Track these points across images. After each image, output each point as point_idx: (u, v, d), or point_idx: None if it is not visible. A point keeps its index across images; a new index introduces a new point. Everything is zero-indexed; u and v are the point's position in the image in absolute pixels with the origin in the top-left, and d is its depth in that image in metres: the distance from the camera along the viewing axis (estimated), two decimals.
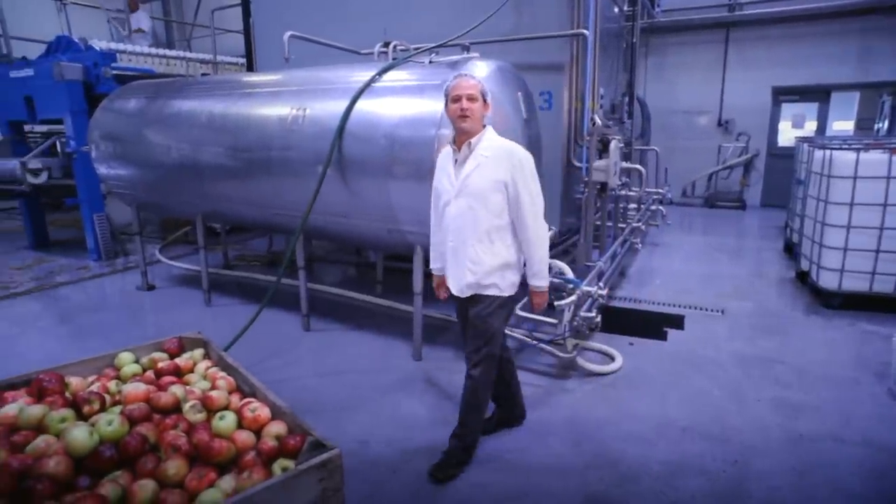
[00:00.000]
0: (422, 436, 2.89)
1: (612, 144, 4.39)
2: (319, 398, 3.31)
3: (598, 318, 3.59)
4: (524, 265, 2.51)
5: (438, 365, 3.72)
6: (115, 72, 6.58)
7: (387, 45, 4.26)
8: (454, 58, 3.72)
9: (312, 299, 4.52)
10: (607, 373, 3.56)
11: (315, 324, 4.48)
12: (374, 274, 5.37)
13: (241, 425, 1.76)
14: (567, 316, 3.45)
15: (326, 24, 5.44)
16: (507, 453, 2.75)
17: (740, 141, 9.95)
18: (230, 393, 1.98)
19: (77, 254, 6.89)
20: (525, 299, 3.95)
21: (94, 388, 1.96)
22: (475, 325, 2.51)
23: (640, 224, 6.26)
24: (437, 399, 3.30)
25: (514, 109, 3.62)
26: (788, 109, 9.90)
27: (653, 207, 6.95)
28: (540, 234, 2.41)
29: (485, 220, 2.38)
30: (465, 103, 2.33)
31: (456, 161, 2.45)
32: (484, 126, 2.44)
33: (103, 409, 1.82)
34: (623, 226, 6.13)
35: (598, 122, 4.39)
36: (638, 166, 5.91)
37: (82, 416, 1.75)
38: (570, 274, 3.70)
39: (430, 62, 3.75)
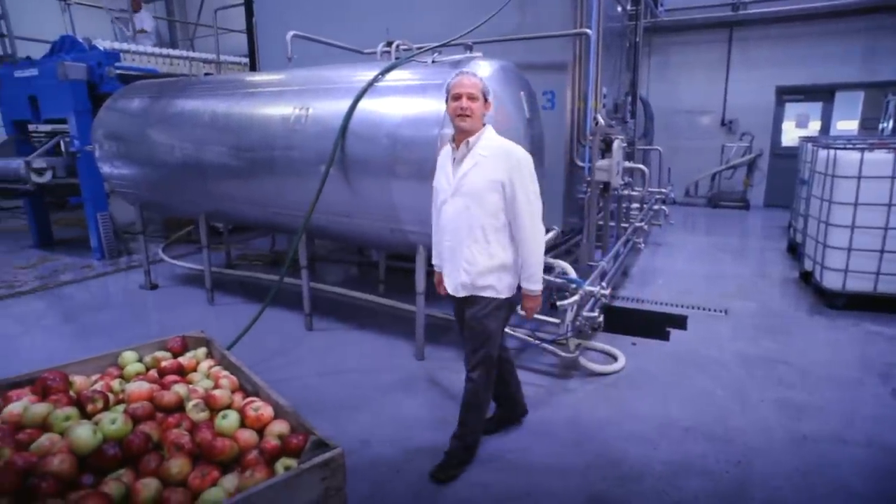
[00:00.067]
0: (423, 435, 2.90)
1: (615, 144, 4.38)
2: (322, 397, 3.32)
3: (601, 318, 3.58)
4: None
5: (441, 364, 3.72)
6: (118, 71, 6.60)
7: (389, 44, 4.26)
8: (457, 57, 3.72)
9: (315, 299, 4.53)
10: (610, 373, 3.56)
11: (317, 323, 4.48)
12: (377, 273, 5.37)
13: (243, 424, 1.77)
14: (570, 316, 3.45)
15: (329, 24, 5.44)
16: (508, 453, 2.75)
17: (744, 141, 9.92)
18: (233, 392, 1.99)
19: (81, 253, 6.92)
20: None
21: (98, 386, 1.97)
22: (472, 326, 2.49)
23: (642, 224, 6.25)
24: (440, 399, 3.30)
25: (517, 109, 3.62)
26: (792, 109, 9.86)
27: (656, 207, 6.94)
28: (536, 236, 2.38)
29: (481, 220, 2.36)
30: (464, 102, 2.30)
31: (454, 159, 2.43)
32: (484, 125, 2.41)
33: (107, 407, 1.82)
34: (626, 225, 6.12)
35: (601, 121, 4.39)
36: (641, 166, 5.90)
37: (86, 415, 1.76)
38: (572, 274, 3.69)
39: (433, 62, 3.75)
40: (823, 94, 9.51)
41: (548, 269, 3.92)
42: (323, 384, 3.52)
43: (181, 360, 2.23)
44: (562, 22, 4.44)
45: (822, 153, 4.79)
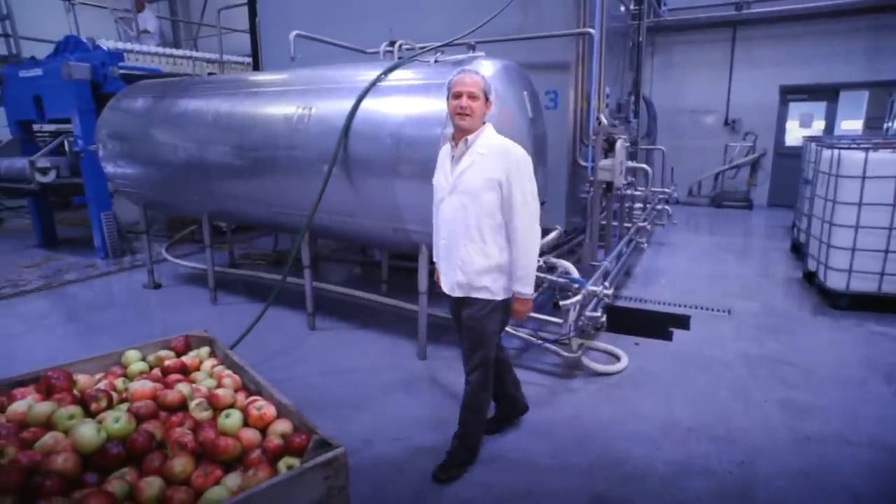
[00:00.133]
0: (426, 435, 2.90)
1: (618, 144, 4.37)
2: (324, 397, 3.32)
3: (604, 318, 3.57)
4: None
5: (443, 364, 3.72)
6: (122, 71, 6.62)
7: (392, 44, 4.26)
8: (460, 57, 3.72)
9: (318, 298, 4.53)
10: (612, 373, 3.55)
11: (320, 322, 4.49)
12: (380, 273, 5.38)
13: (246, 423, 1.77)
14: (572, 315, 3.44)
15: (332, 24, 5.45)
16: (511, 453, 2.75)
17: (747, 140, 9.88)
18: (236, 391, 1.99)
19: (85, 252, 6.95)
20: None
21: (102, 385, 1.97)
22: (468, 328, 2.48)
23: (645, 223, 6.24)
24: (442, 398, 3.30)
25: (520, 108, 3.62)
26: (796, 108, 9.83)
27: (659, 207, 6.92)
28: (529, 237, 2.34)
29: (477, 218, 2.33)
30: (465, 101, 2.28)
31: (453, 157, 2.41)
32: (484, 123, 2.39)
33: (110, 406, 1.83)
34: (629, 225, 6.10)
35: (604, 121, 4.38)
36: (644, 166, 5.88)
37: (90, 414, 1.77)
38: (575, 273, 3.69)
39: (436, 61, 3.75)
40: (827, 94, 9.47)
41: (550, 268, 3.93)
42: (325, 383, 3.53)
43: (184, 359, 2.23)
44: (565, 21, 4.43)
45: (826, 153, 4.78)
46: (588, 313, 3.52)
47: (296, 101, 3.99)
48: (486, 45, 4.03)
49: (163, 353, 2.28)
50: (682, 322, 4.40)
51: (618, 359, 3.70)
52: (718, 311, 4.67)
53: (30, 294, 5.48)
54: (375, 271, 5.79)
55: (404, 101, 3.51)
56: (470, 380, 2.54)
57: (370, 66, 3.93)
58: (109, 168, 5.53)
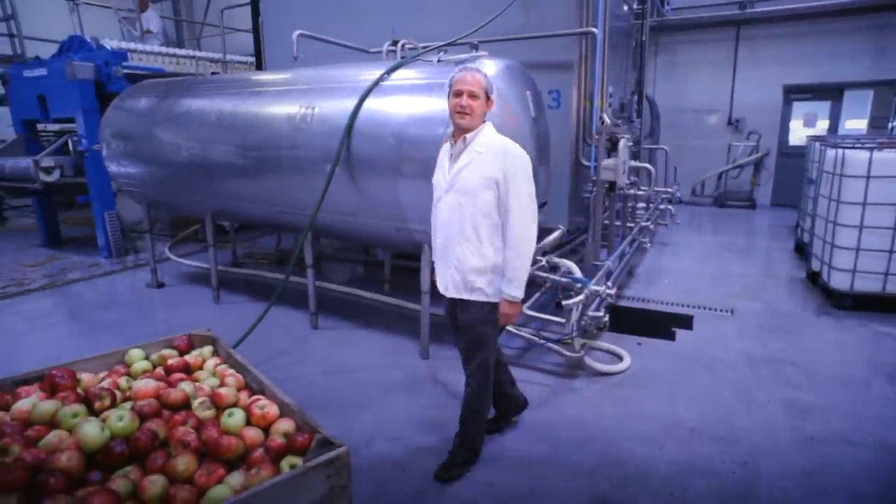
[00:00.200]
0: (428, 435, 2.90)
1: (621, 143, 4.37)
2: (327, 396, 3.33)
3: (606, 318, 3.57)
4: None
5: (445, 363, 3.72)
6: (126, 71, 6.64)
7: (395, 43, 4.26)
8: (462, 56, 3.71)
9: (320, 297, 4.54)
10: (615, 372, 3.55)
11: (323, 322, 4.50)
12: (382, 272, 5.38)
13: (249, 422, 1.77)
14: (575, 315, 3.44)
15: (335, 23, 5.45)
16: (512, 452, 2.74)
17: (751, 140, 9.86)
18: (239, 390, 1.99)
19: (88, 251, 6.97)
20: (533, 298, 3.96)
21: (106, 384, 1.98)
22: (466, 330, 2.47)
23: (648, 223, 6.22)
24: (444, 398, 3.30)
25: (523, 108, 3.61)
26: (800, 108, 9.79)
27: (662, 206, 6.91)
28: (522, 238, 2.29)
29: (474, 218, 2.31)
30: (465, 100, 2.26)
31: (451, 155, 2.40)
32: (484, 122, 2.37)
33: (114, 404, 1.84)
34: (632, 225, 6.10)
35: (607, 120, 4.37)
36: (647, 165, 5.87)
37: (94, 412, 1.77)
38: (578, 273, 3.69)
39: (439, 61, 3.75)
40: (832, 93, 9.43)
41: (553, 268, 3.92)
42: (328, 383, 3.53)
43: (187, 358, 2.24)
44: (567, 21, 4.43)
45: (831, 152, 4.76)
46: (591, 313, 3.52)
47: (299, 100, 3.99)
48: (490, 45, 4.02)
49: (166, 351, 2.29)
50: (685, 322, 4.42)
51: (620, 359, 3.69)
52: (721, 311, 4.65)
53: (34, 293, 5.50)
54: (378, 271, 5.79)
55: (407, 100, 3.51)
56: (470, 381, 2.54)
57: (373, 65, 3.94)
58: (113, 167, 5.55)
